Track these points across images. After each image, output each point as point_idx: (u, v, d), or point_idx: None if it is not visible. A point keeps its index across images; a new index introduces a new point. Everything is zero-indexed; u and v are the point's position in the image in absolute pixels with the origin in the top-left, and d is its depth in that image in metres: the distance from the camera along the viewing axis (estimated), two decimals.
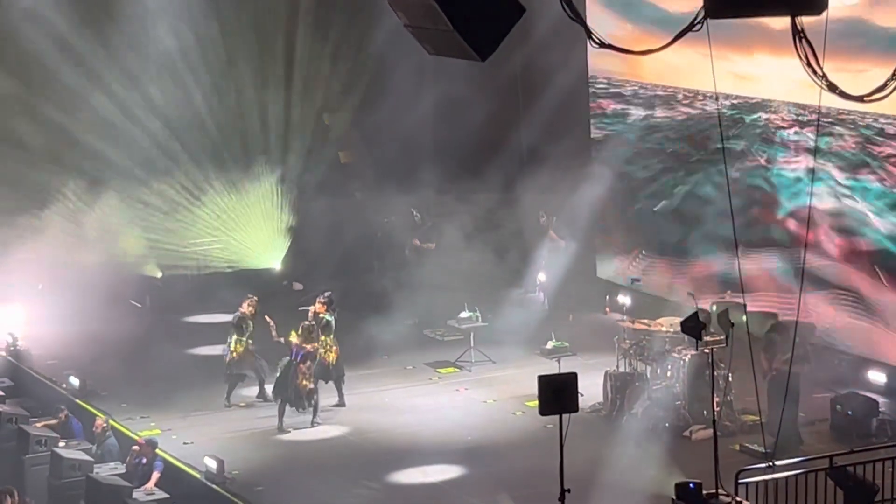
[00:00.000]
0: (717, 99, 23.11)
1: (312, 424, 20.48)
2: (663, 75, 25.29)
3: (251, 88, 28.90)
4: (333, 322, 21.13)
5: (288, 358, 20.47)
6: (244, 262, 28.09)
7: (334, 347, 21.06)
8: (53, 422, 19.89)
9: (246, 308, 21.61)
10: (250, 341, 21.52)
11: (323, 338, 20.93)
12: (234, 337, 21.54)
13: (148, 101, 27.78)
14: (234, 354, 21.42)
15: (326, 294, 21.78)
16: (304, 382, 20.34)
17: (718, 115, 23.41)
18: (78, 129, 27.11)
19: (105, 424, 19.12)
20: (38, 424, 19.75)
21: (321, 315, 21.19)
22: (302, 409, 20.57)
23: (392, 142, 28.75)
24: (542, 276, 26.49)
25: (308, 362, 20.43)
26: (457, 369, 23.26)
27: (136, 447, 18.33)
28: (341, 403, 21.29)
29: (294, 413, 20.57)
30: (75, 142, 27.19)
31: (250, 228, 28.44)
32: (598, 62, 26.56)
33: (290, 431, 20.37)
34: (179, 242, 28.24)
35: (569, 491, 12.75)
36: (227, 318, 22.32)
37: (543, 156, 26.63)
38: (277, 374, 20.52)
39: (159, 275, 27.67)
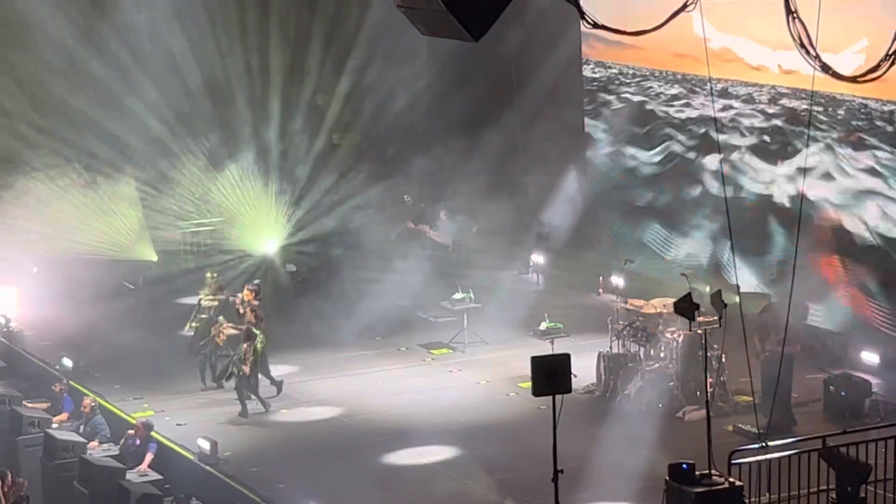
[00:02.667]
0: (710, 81, 23.09)
1: (266, 409, 20.37)
2: (657, 57, 25.24)
3: (243, 70, 28.81)
4: (259, 310, 20.99)
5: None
6: (238, 245, 28.03)
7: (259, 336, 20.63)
8: (46, 404, 19.88)
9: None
10: (242, 327, 21.43)
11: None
12: (221, 318, 21.54)
13: (144, 86, 27.72)
14: (222, 336, 21.34)
15: (255, 282, 22.01)
16: (245, 367, 20.19)
17: (712, 99, 23.37)
18: (73, 108, 27.04)
19: (94, 404, 19.10)
20: (29, 405, 19.76)
21: (248, 301, 21.12)
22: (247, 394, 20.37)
23: (385, 123, 28.68)
24: (535, 257, 26.48)
25: (245, 344, 20.26)
26: (450, 350, 23.26)
27: (131, 430, 18.32)
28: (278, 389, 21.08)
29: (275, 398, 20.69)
30: (71, 121, 27.12)
31: (244, 211, 28.37)
32: (592, 43, 26.53)
33: (266, 412, 20.32)
34: (174, 225, 28.19)
35: (562, 472, 12.74)
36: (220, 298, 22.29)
37: (537, 137, 26.59)
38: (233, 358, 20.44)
39: (155, 257, 27.63)
